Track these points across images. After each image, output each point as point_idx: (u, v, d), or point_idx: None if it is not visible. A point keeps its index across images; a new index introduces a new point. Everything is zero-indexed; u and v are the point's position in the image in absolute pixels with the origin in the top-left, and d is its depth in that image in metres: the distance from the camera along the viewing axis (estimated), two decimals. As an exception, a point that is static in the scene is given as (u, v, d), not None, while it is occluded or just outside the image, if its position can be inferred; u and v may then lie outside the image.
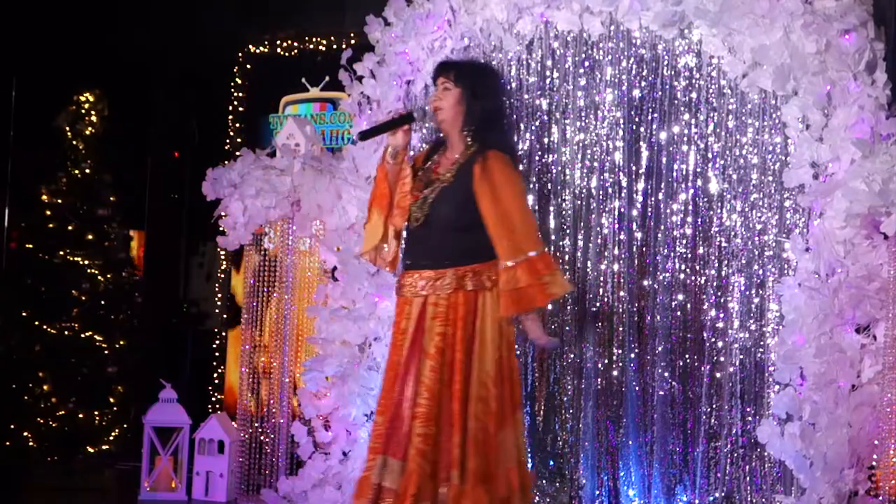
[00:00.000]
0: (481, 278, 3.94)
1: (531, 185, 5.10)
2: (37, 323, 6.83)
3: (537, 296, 3.88)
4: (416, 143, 4.91)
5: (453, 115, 4.01)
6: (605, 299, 5.01)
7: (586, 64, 5.04)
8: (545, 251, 3.94)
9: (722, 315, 4.83)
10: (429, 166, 4.10)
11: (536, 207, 5.10)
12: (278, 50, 7.19)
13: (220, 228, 5.52)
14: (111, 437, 6.93)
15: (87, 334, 6.90)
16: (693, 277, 4.90)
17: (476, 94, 4.00)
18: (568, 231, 5.07)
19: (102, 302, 7.00)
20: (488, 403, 3.87)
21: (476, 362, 3.89)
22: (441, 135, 4.11)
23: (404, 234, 4.15)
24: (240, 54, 7.26)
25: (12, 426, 6.70)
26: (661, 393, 4.89)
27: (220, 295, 7.26)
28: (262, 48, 7.24)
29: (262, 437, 5.45)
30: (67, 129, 7.05)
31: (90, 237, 7.01)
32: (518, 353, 5.07)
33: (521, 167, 4.83)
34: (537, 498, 5.00)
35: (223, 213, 5.50)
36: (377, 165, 4.19)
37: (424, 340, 3.91)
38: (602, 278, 5.01)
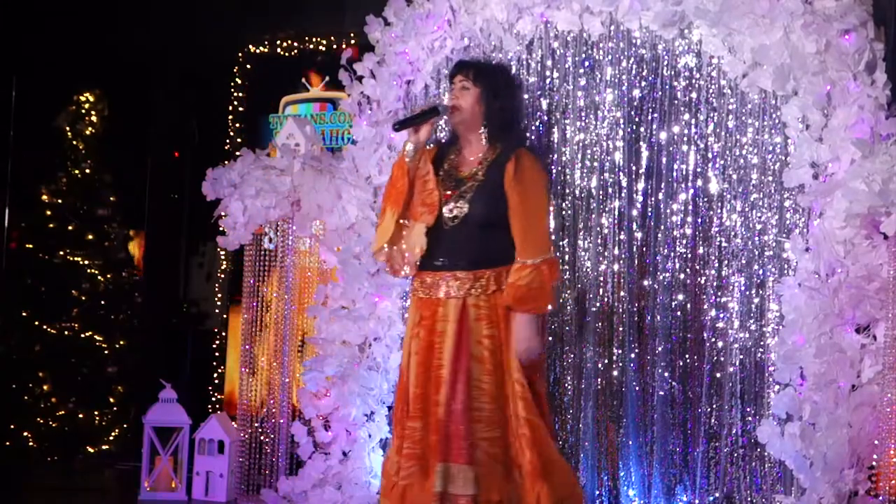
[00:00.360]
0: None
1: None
2: (37, 323, 6.83)
3: (541, 299, 3.88)
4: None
5: (472, 114, 4.01)
6: (605, 299, 5.01)
7: (586, 64, 5.04)
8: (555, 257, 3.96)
9: (722, 315, 4.83)
10: (449, 166, 4.06)
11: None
12: (278, 50, 7.19)
13: (220, 228, 5.52)
14: (111, 437, 6.93)
15: (87, 334, 6.90)
16: (693, 277, 4.90)
17: (496, 94, 4.01)
18: (568, 231, 5.07)
19: (102, 302, 7.00)
20: (528, 400, 3.88)
21: (515, 362, 3.89)
22: (445, 134, 4.08)
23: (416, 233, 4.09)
24: (240, 54, 7.26)
25: (12, 426, 6.70)
26: (661, 393, 4.89)
27: (220, 295, 7.26)
28: (262, 48, 7.24)
29: (262, 437, 5.45)
30: (67, 129, 7.05)
31: (90, 237, 7.01)
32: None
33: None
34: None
35: (223, 213, 5.50)
36: (395, 163, 4.12)
37: (471, 343, 3.89)
38: (602, 278, 5.01)
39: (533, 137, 5.11)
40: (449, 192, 3.98)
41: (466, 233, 3.95)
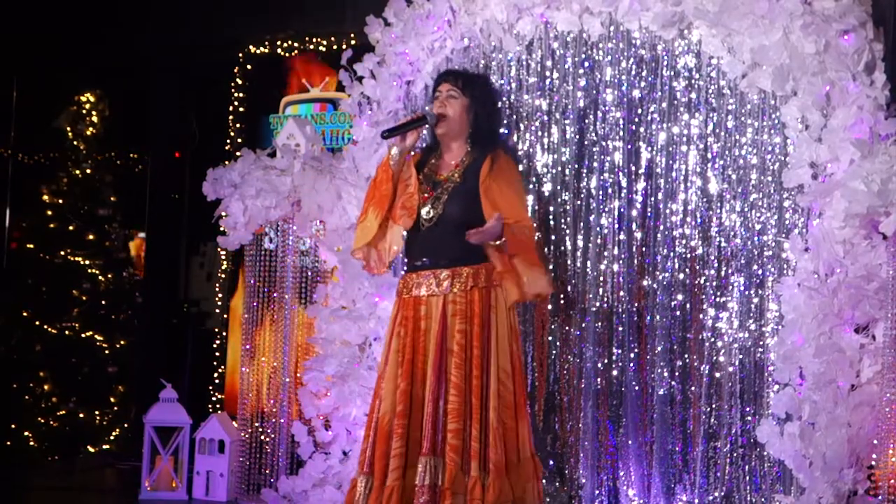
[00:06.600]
0: (492, 275, 4.12)
1: (531, 186, 5.11)
2: (37, 323, 6.84)
3: (531, 241, 4.08)
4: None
5: (459, 123, 4.18)
6: (605, 299, 5.01)
7: (586, 64, 5.04)
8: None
9: (721, 315, 4.84)
10: (429, 170, 4.20)
11: (536, 207, 5.11)
12: (278, 50, 7.19)
13: (221, 228, 5.53)
14: (111, 437, 6.94)
15: (88, 334, 6.91)
16: (692, 277, 4.91)
17: (483, 104, 4.20)
18: (568, 231, 5.07)
19: (103, 302, 7.01)
20: (506, 398, 4.01)
21: (493, 358, 4.02)
22: (429, 139, 4.20)
23: (404, 234, 4.19)
24: (240, 54, 7.26)
25: (12, 426, 6.70)
26: (661, 393, 4.90)
27: (220, 295, 7.26)
28: (262, 48, 7.24)
29: (262, 437, 5.46)
30: (68, 129, 7.06)
31: (91, 237, 7.02)
32: (518, 352, 5.11)
33: (521, 168, 4.90)
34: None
35: (223, 213, 5.50)
36: (379, 165, 4.25)
37: (447, 338, 4.00)
38: (602, 278, 5.02)
39: (533, 138, 5.11)
40: (426, 195, 4.14)
41: (444, 233, 4.10)
